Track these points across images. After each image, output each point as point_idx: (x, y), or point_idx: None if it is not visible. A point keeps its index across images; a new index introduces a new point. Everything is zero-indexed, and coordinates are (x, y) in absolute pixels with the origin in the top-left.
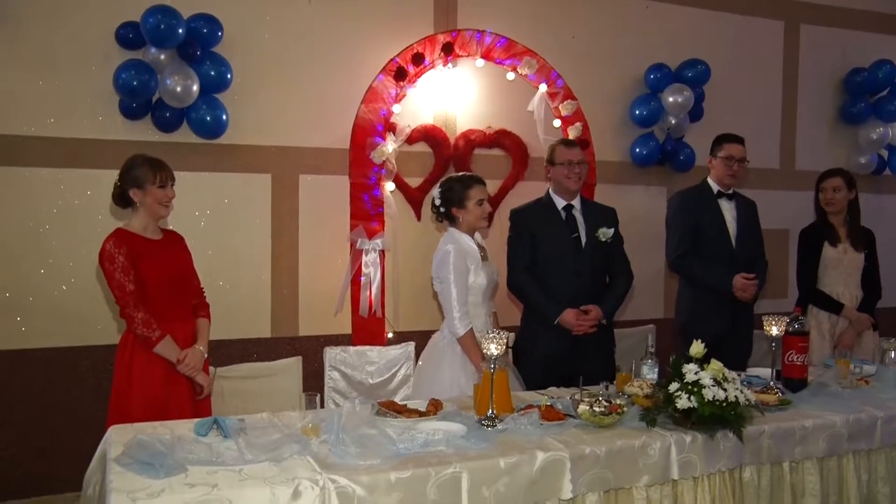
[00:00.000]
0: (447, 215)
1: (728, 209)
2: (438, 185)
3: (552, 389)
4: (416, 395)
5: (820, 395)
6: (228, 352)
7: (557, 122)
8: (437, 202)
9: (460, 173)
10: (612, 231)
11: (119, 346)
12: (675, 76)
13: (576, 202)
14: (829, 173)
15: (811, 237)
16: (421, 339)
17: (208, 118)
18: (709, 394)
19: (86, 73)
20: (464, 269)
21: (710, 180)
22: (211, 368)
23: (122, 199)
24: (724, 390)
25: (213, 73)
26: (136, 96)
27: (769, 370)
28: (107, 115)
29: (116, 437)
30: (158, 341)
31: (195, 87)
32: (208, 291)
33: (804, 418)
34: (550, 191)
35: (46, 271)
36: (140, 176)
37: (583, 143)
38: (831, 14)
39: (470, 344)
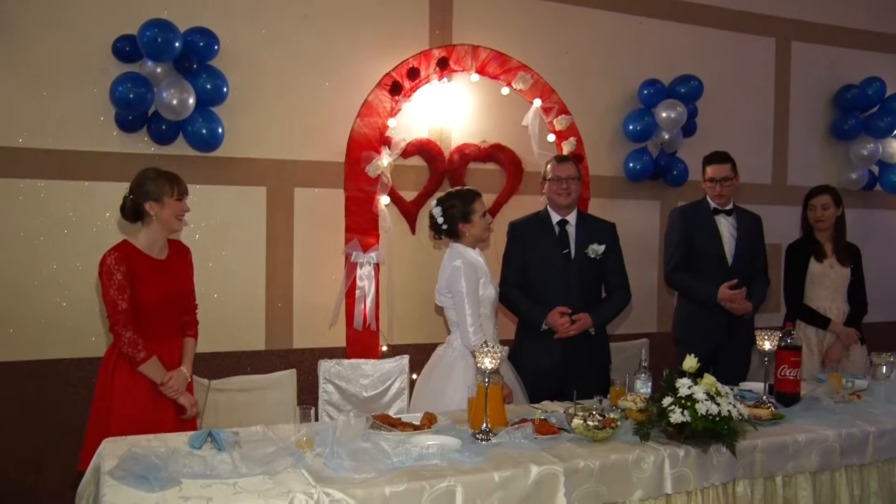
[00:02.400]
0: (451, 232)
1: (726, 225)
2: (436, 203)
3: (546, 403)
4: (419, 409)
5: (812, 410)
6: (222, 364)
7: (552, 137)
8: (440, 220)
9: (455, 189)
10: (602, 247)
11: (104, 360)
12: (669, 92)
13: (571, 217)
14: (817, 191)
15: (797, 253)
16: (415, 352)
17: (204, 131)
18: (702, 408)
19: (82, 86)
20: (475, 281)
21: (708, 198)
22: (202, 382)
23: (133, 213)
24: (718, 405)
25: (209, 86)
26: (133, 109)
27: (762, 384)
28: (103, 128)
29: (110, 450)
30: (143, 362)
31: (191, 101)
32: (203, 304)
33: (797, 433)
34: (547, 205)
35: (40, 283)
36: (157, 189)
37: (577, 157)
38: (822, 31)
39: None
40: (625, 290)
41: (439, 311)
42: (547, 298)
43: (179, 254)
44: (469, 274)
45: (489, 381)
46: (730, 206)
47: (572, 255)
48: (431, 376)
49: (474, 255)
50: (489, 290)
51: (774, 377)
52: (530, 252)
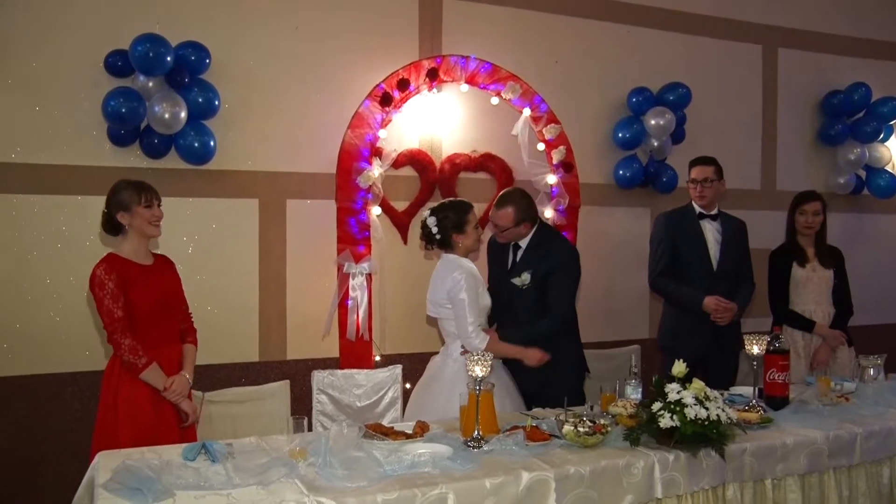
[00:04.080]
0: (443, 241)
1: (711, 230)
2: (430, 213)
3: (537, 410)
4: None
5: (801, 413)
6: (217, 376)
7: (541, 146)
8: (434, 230)
9: (449, 200)
10: (528, 277)
11: (105, 373)
12: (657, 99)
13: (524, 242)
14: (808, 197)
15: (780, 259)
16: (408, 361)
17: (196, 144)
18: (691, 413)
19: (75, 101)
20: (475, 290)
21: (693, 203)
22: (196, 394)
23: (110, 225)
24: (707, 409)
25: (200, 99)
26: (125, 123)
27: (751, 389)
28: (95, 142)
29: (104, 463)
30: (145, 368)
31: (183, 114)
32: (196, 316)
33: (785, 435)
34: None
35: (34, 298)
36: (125, 199)
37: (567, 165)
38: (808, 38)
39: (500, 347)
40: (551, 318)
41: (431, 321)
42: (498, 321)
43: (165, 263)
44: (470, 283)
45: (480, 388)
46: (714, 211)
47: (511, 282)
48: (431, 387)
49: (471, 264)
50: (485, 299)
51: (763, 381)
52: (491, 271)
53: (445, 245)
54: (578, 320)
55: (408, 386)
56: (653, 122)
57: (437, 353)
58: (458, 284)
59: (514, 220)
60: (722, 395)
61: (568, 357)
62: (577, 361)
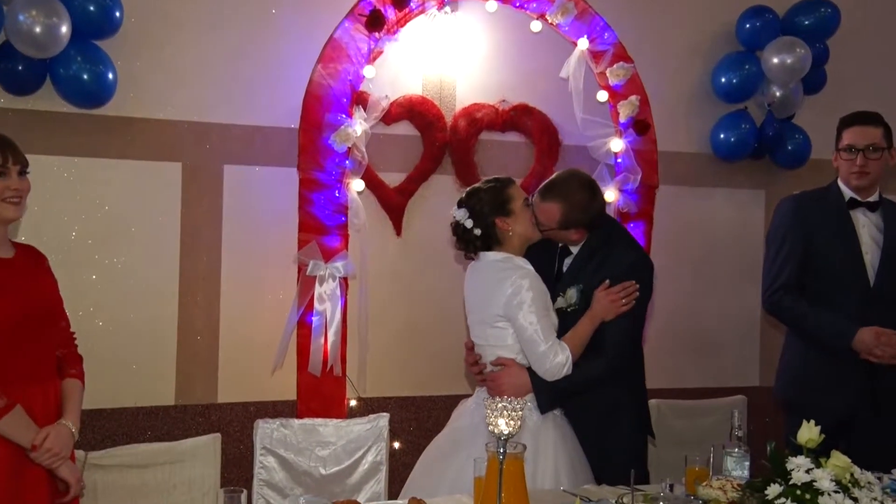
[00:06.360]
0: (488, 237)
1: (867, 225)
2: (456, 206)
3: (589, 488)
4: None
5: None
6: (108, 426)
7: (603, 95)
8: (469, 224)
9: (484, 181)
10: (575, 296)
11: None
12: (784, 25)
13: (576, 247)
14: None
15: None
16: (399, 408)
17: (85, 76)
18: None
19: None
20: (545, 303)
21: (840, 182)
22: (79, 454)
23: None
24: (854, 500)
25: (91, 7)
26: None
27: None
28: None
29: None
30: (3, 414)
31: (64, 29)
32: (84, 336)
33: None
34: None
35: None
36: None
37: (640, 125)
38: None
39: (577, 335)
40: (602, 358)
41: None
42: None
43: (32, 257)
44: (538, 290)
45: (504, 452)
46: (874, 198)
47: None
48: (460, 449)
49: (529, 265)
50: (554, 316)
51: None
52: None
53: (490, 241)
54: (647, 357)
55: (396, 445)
56: (776, 59)
57: (452, 395)
58: (522, 294)
59: (560, 221)
60: (880, 479)
61: (623, 411)
62: (638, 418)
